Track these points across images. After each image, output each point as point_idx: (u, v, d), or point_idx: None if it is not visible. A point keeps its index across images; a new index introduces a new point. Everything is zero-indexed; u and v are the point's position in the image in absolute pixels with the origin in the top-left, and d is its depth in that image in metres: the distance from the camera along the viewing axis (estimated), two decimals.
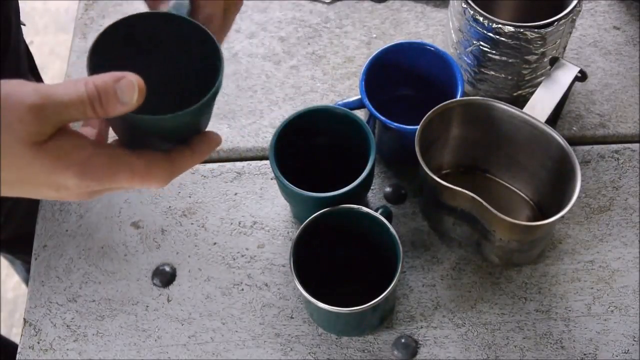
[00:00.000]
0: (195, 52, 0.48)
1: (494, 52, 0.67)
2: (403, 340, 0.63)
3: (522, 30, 0.64)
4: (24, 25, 0.81)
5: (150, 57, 0.48)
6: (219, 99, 0.78)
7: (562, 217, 0.57)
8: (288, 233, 0.70)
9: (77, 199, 0.43)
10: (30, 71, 0.86)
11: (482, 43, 0.67)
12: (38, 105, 0.39)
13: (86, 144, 0.42)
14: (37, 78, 0.90)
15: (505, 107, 0.62)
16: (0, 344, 1.03)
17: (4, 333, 1.14)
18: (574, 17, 0.66)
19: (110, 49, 0.45)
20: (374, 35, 0.82)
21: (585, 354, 0.62)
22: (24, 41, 0.82)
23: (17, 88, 0.39)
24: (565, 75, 0.64)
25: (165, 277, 0.68)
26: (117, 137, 0.47)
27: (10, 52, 0.76)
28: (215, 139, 0.48)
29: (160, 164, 0.44)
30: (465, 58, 0.71)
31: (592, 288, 0.66)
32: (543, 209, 0.67)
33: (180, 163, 0.45)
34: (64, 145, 0.41)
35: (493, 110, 0.63)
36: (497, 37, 0.65)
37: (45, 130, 0.39)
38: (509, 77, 0.70)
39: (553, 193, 0.63)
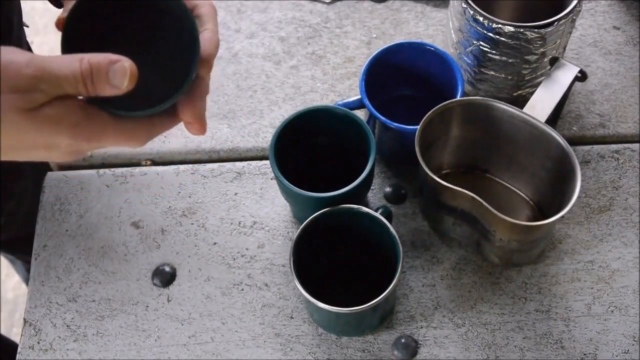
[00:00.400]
0: (172, 29, 0.50)
1: (494, 52, 0.67)
2: (403, 340, 0.63)
3: (522, 30, 0.64)
4: (27, 26, 0.81)
5: (127, 24, 0.49)
6: (219, 99, 0.78)
7: (562, 217, 0.57)
8: (288, 233, 0.70)
9: (65, 157, 0.46)
10: None
11: (482, 43, 0.67)
12: (33, 76, 0.41)
13: (76, 109, 0.44)
14: None
15: (505, 107, 0.62)
16: (1, 343, 1.03)
17: (4, 333, 1.13)
18: (574, 17, 0.66)
19: (89, 16, 0.46)
20: (374, 35, 0.82)
21: (585, 354, 0.62)
22: (27, 42, 0.82)
23: (13, 57, 0.41)
24: (565, 75, 0.64)
25: (165, 277, 0.68)
26: None
27: (14, 36, 0.76)
28: (197, 114, 0.49)
29: (143, 127, 0.47)
30: (465, 58, 0.71)
31: (592, 288, 0.66)
32: (543, 209, 0.67)
33: (160, 125, 0.48)
34: (57, 110, 0.43)
35: (493, 110, 0.63)
36: (497, 37, 0.65)
37: (38, 100, 0.42)
38: (509, 77, 0.70)
39: (553, 193, 0.63)
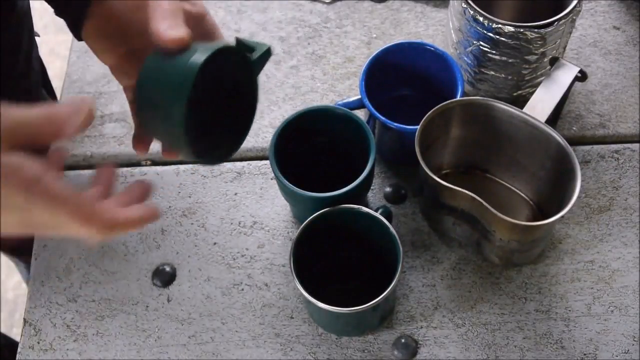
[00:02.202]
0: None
1: (494, 52, 0.67)
2: (403, 340, 0.63)
3: (522, 30, 0.64)
4: (38, 36, 0.81)
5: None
6: None
7: (562, 217, 0.57)
8: (288, 233, 0.70)
9: (15, 225, 0.41)
10: (43, 85, 0.86)
11: (482, 43, 0.67)
12: None
13: (39, 163, 0.41)
14: (50, 92, 0.90)
15: (505, 107, 0.62)
16: (2, 342, 1.03)
17: (4, 333, 1.14)
18: (574, 17, 0.66)
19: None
20: (374, 35, 0.82)
21: (585, 354, 0.62)
22: (39, 58, 0.82)
23: None
24: (565, 75, 0.64)
25: (165, 277, 0.68)
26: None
27: (22, 54, 0.76)
28: (153, 213, 0.46)
29: (103, 213, 0.43)
30: (465, 58, 0.71)
31: (592, 288, 0.66)
32: (543, 209, 0.67)
33: (121, 224, 0.44)
34: (17, 157, 0.39)
35: (493, 110, 0.63)
36: (497, 37, 0.65)
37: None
38: (509, 77, 0.70)
39: (553, 193, 0.63)
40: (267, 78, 0.80)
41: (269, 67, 0.80)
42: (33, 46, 0.80)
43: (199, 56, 0.45)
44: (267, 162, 0.72)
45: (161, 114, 0.46)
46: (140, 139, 0.53)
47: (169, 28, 0.46)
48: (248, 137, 0.75)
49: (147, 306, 0.67)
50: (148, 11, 0.47)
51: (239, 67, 0.51)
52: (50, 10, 0.57)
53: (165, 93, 0.45)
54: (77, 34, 0.54)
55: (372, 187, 0.70)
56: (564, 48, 0.71)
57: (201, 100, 0.47)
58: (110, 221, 0.43)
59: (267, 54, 0.52)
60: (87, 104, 0.41)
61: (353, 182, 0.60)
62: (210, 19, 0.53)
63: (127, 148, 0.75)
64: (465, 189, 0.58)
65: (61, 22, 0.57)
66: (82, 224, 0.41)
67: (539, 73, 0.70)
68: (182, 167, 0.74)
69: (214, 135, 0.51)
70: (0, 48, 0.70)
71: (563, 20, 0.64)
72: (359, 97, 0.67)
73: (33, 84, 0.81)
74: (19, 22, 0.74)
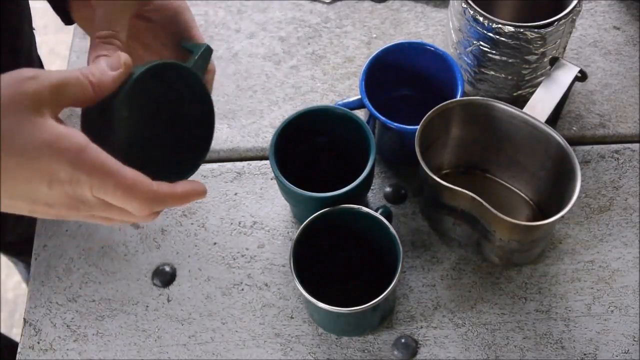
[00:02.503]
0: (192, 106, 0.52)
1: (494, 52, 0.67)
2: (403, 340, 0.63)
3: (522, 30, 0.64)
4: (34, 29, 0.81)
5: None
6: (219, 99, 0.78)
7: (562, 217, 0.57)
8: (288, 233, 0.70)
9: (58, 204, 0.42)
10: None
11: (482, 43, 0.67)
12: (33, 75, 0.40)
13: (82, 135, 0.42)
14: None
15: (505, 107, 0.62)
16: (2, 343, 1.03)
17: (4, 333, 1.14)
18: (574, 17, 0.66)
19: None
20: (374, 35, 0.82)
21: (585, 354, 0.62)
22: (35, 44, 0.83)
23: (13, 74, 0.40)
24: (565, 75, 0.64)
25: (165, 277, 0.68)
26: None
27: (24, 52, 0.76)
28: (199, 189, 0.48)
29: (147, 186, 0.43)
30: (465, 58, 0.71)
31: (592, 288, 0.66)
32: (543, 209, 0.67)
33: (164, 197, 0.45)
34: (62, 127, 0.41)
35: (493, 110, 0.63)
36: (497, 37, 0.65)
37: (44, 95, 0.40)
38: (509, 77, 0.70)
39: (553, 193, 0.63)
40: (267, 78, 0.80)
41: (269, 67, 0.80)
42: (33, 42, 0.80)
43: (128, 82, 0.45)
44: (267, 162, 0.72)
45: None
46: None
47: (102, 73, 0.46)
48: (248, 137, 0.76)
49: (147, 306, 0.67)
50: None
51: (183, 77, 0.50)
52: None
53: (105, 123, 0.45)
54: (65, 16, 0.54)
55: (372, 187, 0.70)
56: (564, 48, 0.71)
57: (149, 121, 0.48)
58: (154, 193, 0.43)
59: (207, 52, 0.52)
60: (120, 58, 0.43)
61: (353, 182, 0.60)
62: (185, 16, 0.53)
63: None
64: (465, 189, 0.58)
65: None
66: (126, 195, 0.42)
67: (539, 73, 0.70)
68: None
69: (173, 152, 0.51)
70: (2, 43, 0.70)
71: (563, 20, 0.64)
72: (359, 97, 0.67)
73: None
74: (19, 16, 0.74)
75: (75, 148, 0.40)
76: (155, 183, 0.44)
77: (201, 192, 0.48)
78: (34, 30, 0.80)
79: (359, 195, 0.64)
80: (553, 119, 0.67)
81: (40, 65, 0.85)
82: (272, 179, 0.73)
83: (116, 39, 0.47)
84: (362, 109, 0.68)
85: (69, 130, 0.41)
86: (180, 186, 0.46)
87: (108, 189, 0.42)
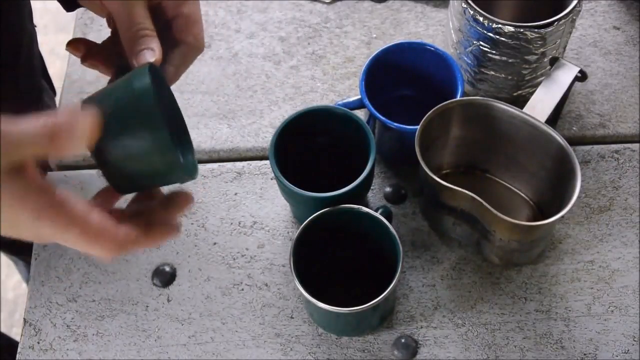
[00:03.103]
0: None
1: (494, 52, 0.67)
2: (403, 340, 0.63)
3: (522, 30, 0.64)
4: (35, 26, 0.81)
5: None
6: (219, 99, 0.78)
7: (562, 217, 0.57)
8: (288, 233, 0.70)
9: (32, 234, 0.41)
10: (43, 77, 0.86)
11: (482, 43, 0.67)
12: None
13: (47, 186, 0.40)
14: (48, 82, 0.90)
15: (505, 107, 0.62)
16: (2, 342, 1.03)
17: (4, 332, 1.14)
18: (574, 17, 0.66)
19: None
20: (374, 35, 0.82)
21: (585, 354, 0.62)
22: (36, 39, 0.83)
23: None
24: (565, 75, 0.64)
25: (165, 277, 0.68)
26: None
27: (25, 47, 0.76)
28: (171, 232, 0.46)
29: (112, 234, 0.42)
30: (465, 58, 0.71)
31: (592, 288, 0.66)
32: (543, 209, 0.67)
33: (129, 244, 0.43)
34: (21, 183, 0.38)
35: (493, 110, 0.63)
36: (497, 37, 0.65)
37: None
38: (509, 77, 0.70)
39: (553, 193, 0.63)
40: (267, 78, 0.80)
41: (269, 67, 0.80)
42: (34, 38, 0.80)
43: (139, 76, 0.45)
44: (267, 162, 0.72)
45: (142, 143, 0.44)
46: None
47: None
48: (248, 137, 0.76)
49: (147, 306, 0.67)
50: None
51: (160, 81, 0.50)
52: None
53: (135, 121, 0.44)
54: (66, 1, 0.54)
55: (372, 187, 0.70)
56: (564, 48, 0.71)
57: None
58: (120, 242, 0.42)
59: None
60: (89, 114, 0.39)
61: (353, 182, 0.60)
62: (190, 6, 0.52)
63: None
64: (465, 189, 0.58)
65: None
66: (91, 243, 0.41)
67: (539, 73, 0.70)
68: None
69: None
70: (2, 39, 0.70)
71: (563, 20, 0.64)
72: (359, 97, 0.67)
73: (35, 74, 0.82)
74: (19, 11, 0.74)
75: (38, 200, 0.39)
76: (123, 229, 0.42)
77: (174, 233, 0.47)
78: (35, 28, 0.80)
79: (359, 195, 0.64)
80: (553, 119, 0.67)
81: (41, 61, 0.85)
82: (272, 179, 0.73)
83: (151, 30, 0.48)
84: (362, 109, 0.68)
85: (25, 183, 0.39)
86: (151, 233, 0.45)
87: (70, 237, 0.41)
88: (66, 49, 0.53)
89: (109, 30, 0.55)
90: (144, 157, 0.44)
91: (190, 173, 0.48)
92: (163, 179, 0.47)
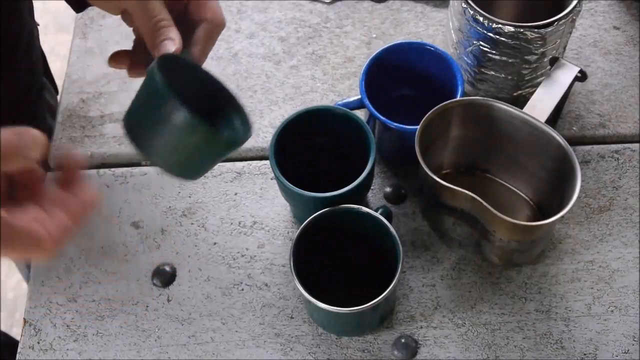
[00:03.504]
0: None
1: (494, 52, 0.67)
2: (403, 340, 0.63)
3: (522, 30, 0.64)
4: (38, 25, 0.81)
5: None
6: None
7: (562, 217, 0.57)
8: (288, 233, 0.70)
9: None
10: (44, 73, 0.86)
11: (482, 43, 0.67)
12: None
13: None
14: (51, 80, 0.90)
15: (505, 107, 0.62)
16: (3, 342, 1.03)
17: (4, 332, 1.14)
18: (574, 17, 0.66)
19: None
20: (374, 35, 0.82)
21: (585, 354, 0.62)
22: (37, 32, 0.83)
23: None
24: (565, 75, 0.64)
25: (165, 277, 0.68)
26: None
27: (23, 39, 0.76)
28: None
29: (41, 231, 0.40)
30: (465, 58, 0.71)
31: (592, 288, 0.66)
32: (543, 209, 0.67)
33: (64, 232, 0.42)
34: None
35: (493, 110, 0.63)
36: (497, 37, 0.65)
37: None
38: (509, 77, 0.70)
39: (553, 193, 0.63)
40: (267, 78, 0.80)
41: (269, 67, 0.80)
42: (34, 33, 0.80)
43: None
44: (267, 162, 0.72)
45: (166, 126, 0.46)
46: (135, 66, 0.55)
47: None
48: None
49: (147, 306, 0.67)
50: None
51: (189, 69, 0.52)
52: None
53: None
54: (76, 3, 0.54)
55: (372, 187, 0.70)
56: (564, 48, 0.71)
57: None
58: (54, 239, 0.41)
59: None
60: (32, 135, 0.39)
61: (353, 182, 0.60)
62: None
63: (127, 148, 0.75)
64: (465, 189, 0.58)
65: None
66: (31, 250, 0.40)
67: (539, 73, 0.70)
68: None
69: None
70: (1, 32, 0.70)
71: (563, 20, 0.64)
72: (359, 97, 0.67)
73: (35, 70, 0.82)
74: (18, 4, 0.74)
75: None
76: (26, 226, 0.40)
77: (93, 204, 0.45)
78: (37, 26, 0.80)
79: (359, 195, 0.64)
80: (553, 119, 0.67)
81: (43, 58, 0.85)
82: (272, 179, 0.73)
83: (168, 20, 0.50)
84: (362, 109, 0.68)
85: None
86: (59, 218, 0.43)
87: (17, 244, 0.39)
88: (110, 66, 0.54)
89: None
90: (181, 142, 0.47)
91: (239, 139, 0.51)
92: (212, 154, 0.50)
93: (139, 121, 0.48)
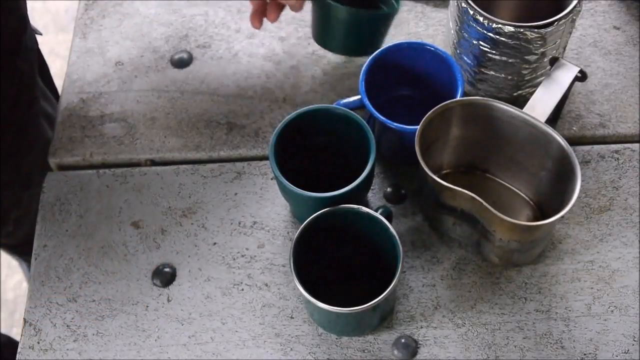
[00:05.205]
0: None
1: (494, 52, 0.67)
2: (403, 340, 0.63)
3: (522, 30, 0.64)
4: (40, 34, 0.80)
5: None
6: (219, 99, 0.78)
7: (562, 217, 0.57)
8: (288, 233, 0.70)
9: None
10: (40, 75, 0.86)
11: (482, 43, 0.67)
12: None
13: None
14: (50, 86, 0.90)
15: (505, 107, 0.62)
16: (3, 341, 1.04)
17: (4, 333, 1.14)
18: (574, 17, 0.66)
19: None
20: None
21: (585, 354, 0.62)
22: (36, 42, 0.82)
23: None
24: (565, 75, 0.64)
25: (165, 277, 0.68)
26: None
27: (22, 51, 0.76)
28: None
29: None
30: (465, 58, 0.71)
31: (592, 288, 0.66)
32: (543, 209, 0.67)
33: None
34: None
35: (493, 110, 0.63)
36: (497, 37, 0.65)
37: None
38: (509, 77, 0.70)
39: (553, 193, 0.63)
40: (267, 78, 0.80)
41: (269, 67, 0.80)
42: (33, 35, 0.79)
43: None
44: (267, 162, 0.72)
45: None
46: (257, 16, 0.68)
47: None
48: (248, 137, 0.76)
49: (147, 306, 0.67)
50: None
51: None
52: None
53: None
54: None
55: (372, 187, 0.70)
56: (564, 48, 0.71)
57: None
58: None
59: None
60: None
61: (353, 182, 0.60)
62: None
63: (127, 148, 0.75)
64: (465, 189, 0.58)
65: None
66: None
67: (539, 73, 0.70)
68: (182, 167, 0.74)
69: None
70: None
71: (563, 20, 0.64)
72: (359, 97, 0.67)
73: (25, 67, 0.81)
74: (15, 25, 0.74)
75: None
76: None
77: None
78: (37, 33, 0.80)
79: (359, 195, 0.64)
80: (553, 119, 0.67)
81: (40, 65, 0.85)
82: (272, 179, 0.73)
83: None
84: (362, 109, 0.68)
85: None
86: None
87: None
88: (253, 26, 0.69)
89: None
90: (354, 29, 0.69)
91: (390, 12, 0.70)
92: (364, 25, 0.70)
93: (323, 31, 0.71)
